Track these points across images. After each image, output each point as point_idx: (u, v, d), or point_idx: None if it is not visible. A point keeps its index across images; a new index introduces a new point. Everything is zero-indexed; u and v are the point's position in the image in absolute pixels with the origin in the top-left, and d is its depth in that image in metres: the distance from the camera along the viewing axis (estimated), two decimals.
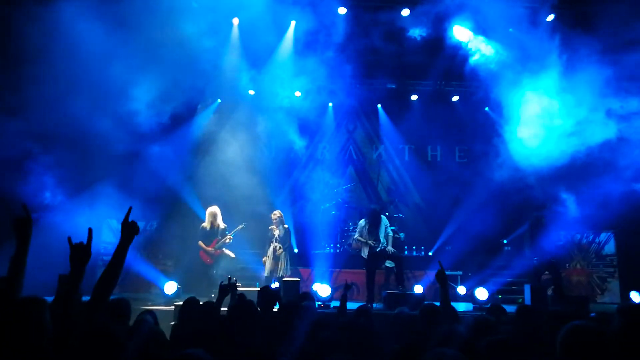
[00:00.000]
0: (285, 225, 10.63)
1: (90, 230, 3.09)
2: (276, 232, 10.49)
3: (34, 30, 8.87)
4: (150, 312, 4.79)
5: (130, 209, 3.24)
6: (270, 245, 10.48)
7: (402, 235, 10.03)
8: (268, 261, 10.41)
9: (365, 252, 9.81)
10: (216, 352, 3.80)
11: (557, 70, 10.60)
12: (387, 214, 11.88)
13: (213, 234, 10.34)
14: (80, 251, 3.00)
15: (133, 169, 10.97)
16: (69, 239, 3.03)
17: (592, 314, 5.24)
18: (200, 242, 10.27)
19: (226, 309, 5.83)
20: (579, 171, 10.37)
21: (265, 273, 10.45)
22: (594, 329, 2.73)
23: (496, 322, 3.96)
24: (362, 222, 10.07)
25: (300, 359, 3.65)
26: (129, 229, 3.16)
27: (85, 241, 3.04)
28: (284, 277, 10.05)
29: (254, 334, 4.07)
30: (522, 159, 10.94)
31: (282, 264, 10.32)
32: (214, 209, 10.51)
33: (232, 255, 10.40)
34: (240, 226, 10.51)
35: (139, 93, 10.18)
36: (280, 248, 10.40)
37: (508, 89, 11.17)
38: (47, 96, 9.10)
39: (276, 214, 10.67)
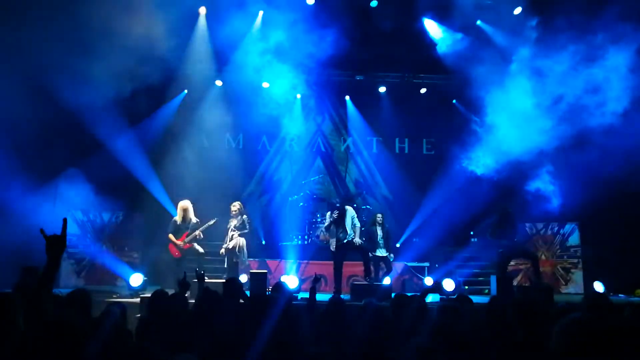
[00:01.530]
0: (244, 216, 10.51)
1: (65, 220, 2.99)
2: (232, 223, 10.41)
3: None
4: (119, 304, 4.69)
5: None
6: (227, 236, 10.41)
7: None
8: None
9: (332, 245, 9.81)
10: (185, 344, 3.75)
11: (526, 63, 10.72)
12: (354, 205, 11.91)
13: (184, 227, 10.18)
14: (56, 242, 2.90)
15: (97, 159, 10.76)
16: (42, 230, 2.92)
17: (561, 304, 5.34)
18: (170, 235, 10.10)
19: (193, 301, 5.76)
20: (545, 163, 10.55)
21: (226, 265, 10.37)
22: (593, 322, 2.74)
23: (461, 308, 3.99)
24: (328, 214, 10.09)
25: (271, 349, 3.61)
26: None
27: (59, 232, 2.95)
28: (241, 265, 10.02)
29: (221, 325, 4.02)
30: (490, 151, 11.08)
31: (238, 251, 10.22)
32: (186, 203, 10.33)
33: (201, 250, 10.25)
34: (212, 221, 10.34)
35: (101, 80, 9.96)
36: (233, 237, 10.30)
37: (477, 81, 11.29)
38: None
39: (235, 205, 10.56)
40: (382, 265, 10.60)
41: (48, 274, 2.89)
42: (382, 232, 10.81)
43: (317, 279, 6.36)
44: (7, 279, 7.75)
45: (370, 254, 10.09)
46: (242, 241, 10.32)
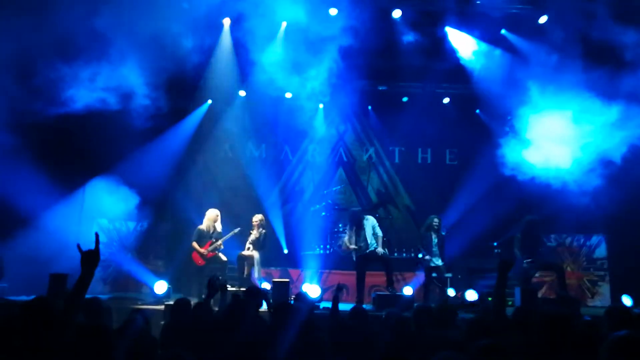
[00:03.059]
0: (264, 230, 10.54)
1: (97, 235, 3.28)
2: (252, 234, 10.47)
3: None
4: (140, 311, 4.76)
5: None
6: (246, 244, 10.52)
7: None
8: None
9: (354, 255, 9.82)
10: (207, 352, 3.78)
11: (556, 75, 10.54)
12: (377, 215, 11.87)
13: (208, 236, 10.27)
14: (91, 256, 3.17)
15: (123, 169, 10.93)
16: (78, 246, 3.20)
17: (587, 317, 5.25)
18: (194, 244, 10.20)
19: (217, 308, 5.80)
20: (572, 174, 10.36)
21: (237, 273, 10.43)
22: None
23: (492, 322, 3.95)
24: (348, 227, 10.11)
25: (292, 357, 3.63)
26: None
27: (93, 247, 3.21)
28: (253, 280, 10.03)
29: (249, 334, 4.04)
30: (514, 162, 10.96)
31: (252, 265, 10.28)
32: (215, 211, 10.44)
33: (225, 258, 10.34)
34: (235, 230, 10.43)
35: (127, 90, 10.13)
36: (250, 248, 10.37)
37: (501, 91, 11.22)
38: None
39: (256, 218, 10.61)
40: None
41: (81, 285, 3.14)
42: (438, 239, 10.15)
43: (339, 288, 6.37)
44: (35, 286, 7.93)
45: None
46: (256, 254, 10.34)
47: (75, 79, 9.56)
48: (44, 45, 8.93)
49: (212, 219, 10.36)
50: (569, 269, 11.58)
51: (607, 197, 9.80)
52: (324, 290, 10.25)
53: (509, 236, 10.67)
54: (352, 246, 9.73)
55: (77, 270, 3.20)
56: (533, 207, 10.79)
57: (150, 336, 4.18)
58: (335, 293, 6.17)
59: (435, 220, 10.29)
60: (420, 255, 10.46)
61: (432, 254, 10.06)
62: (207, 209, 10.63)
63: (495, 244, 12.26)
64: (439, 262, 10.07)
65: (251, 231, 10.55)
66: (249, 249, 10.42)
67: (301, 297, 6.10)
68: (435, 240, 10.14)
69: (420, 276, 11.27)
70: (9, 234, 9.56)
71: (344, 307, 6.91)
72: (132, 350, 3.45)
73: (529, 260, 9.71)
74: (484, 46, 11.84)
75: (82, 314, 4.28)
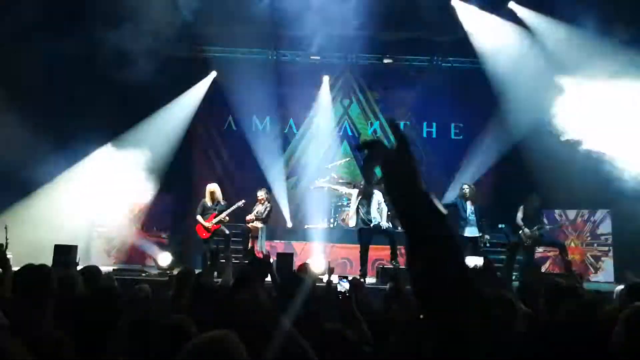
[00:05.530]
0: (269, 204, 10.59)
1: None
2: (257, 208, 10.52)
3: None
4: (146, 282, 4.79)
5: None
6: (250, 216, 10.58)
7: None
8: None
9: (353, 221, 9.80)
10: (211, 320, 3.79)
11: (565, 49, 10.35)
12: (381, 190, 11.84)
13: (212, 209, 10.29)
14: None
15: (127, 140, 10.93)
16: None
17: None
18: (198, 217, 10.22)
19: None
20: (576, 149, 10.27)
21: (242, 246, 10.51)
22: None
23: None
24: (355, 192, 10.03)
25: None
26: None
27: None
28: (257, 252, 10.11)
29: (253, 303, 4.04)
30: (520, 137, 10.89)
31: (256, 238, 10.36)
32: (213, 186, 10.45)
33: (227, 231, 10.38)
34: (239, 203, 10.45)
35: (131, 62, 10.04)
36: (253, 221, 10.44)
37: (508, 65, 11.09)
38: None
39: (262, 191, 10.68)
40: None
41: None
42: (473, 207, 9.77)
43: (331, 270, 6.32)
44: (40, 257, 7.97)
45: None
46: (260, 226, 10.41)
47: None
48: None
49: (210, 192, 10.36)
50: (572, 244, 11.57)
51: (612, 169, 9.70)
52: (327, 263, 10.29)
53: (516, 214, 10.61)
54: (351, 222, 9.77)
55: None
56: (538, 182, 10.74)
57: (153, 306, 4.20)
58: (328, 275, 6.16)
59: (465, 186, 9.94)
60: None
61: (466, 223, 9.75)
62: (210, 182, 10.63)
63: (502, 225, 12.21)
64: (474, 232, 9.73)
65: (256, 204, 10.58)
66: (252, 221, 10.46)
67: (304, 268, 6.09)
68: (469, 208, 9.77)
69: None
70: (14, 203, 9.60)
71: None
72: (135, 319, 3.46)
73: (535, 228, 9.66)
74: (491, 19, 11.65)
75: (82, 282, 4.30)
